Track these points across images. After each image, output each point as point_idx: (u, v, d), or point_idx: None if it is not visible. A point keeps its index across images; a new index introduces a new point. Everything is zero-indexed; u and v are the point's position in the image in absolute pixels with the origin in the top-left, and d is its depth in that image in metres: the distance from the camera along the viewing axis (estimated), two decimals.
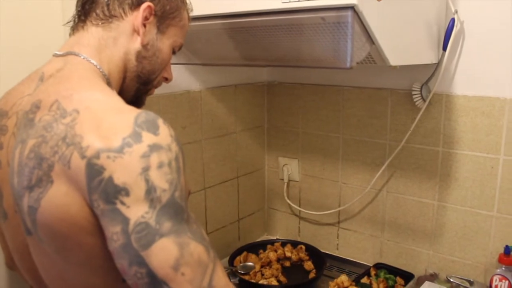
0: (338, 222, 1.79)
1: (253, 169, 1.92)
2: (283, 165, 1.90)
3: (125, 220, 0.65)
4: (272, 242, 1.79)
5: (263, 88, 1.89)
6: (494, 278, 1.32)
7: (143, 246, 0.65)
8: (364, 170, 1.67)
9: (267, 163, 1.97)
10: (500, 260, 1.32)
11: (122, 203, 0.65)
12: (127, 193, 0.65)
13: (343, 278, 1.48)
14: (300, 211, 1.89)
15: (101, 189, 0.65)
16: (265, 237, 2.00)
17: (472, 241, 1.47)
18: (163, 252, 0.65)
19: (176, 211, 0.68)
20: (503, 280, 1.30)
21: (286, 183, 1.89)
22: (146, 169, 0.66)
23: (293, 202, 1.90)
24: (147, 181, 0.65)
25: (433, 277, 1.43)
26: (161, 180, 0.66)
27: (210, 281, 0.68)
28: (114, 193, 0.65)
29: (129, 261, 0.65)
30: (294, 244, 1.76)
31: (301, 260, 1.71)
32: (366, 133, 1.64)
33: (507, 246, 1.32)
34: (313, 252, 1.72)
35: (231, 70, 1.74)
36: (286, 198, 1.89)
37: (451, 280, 1.37)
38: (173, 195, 0.67)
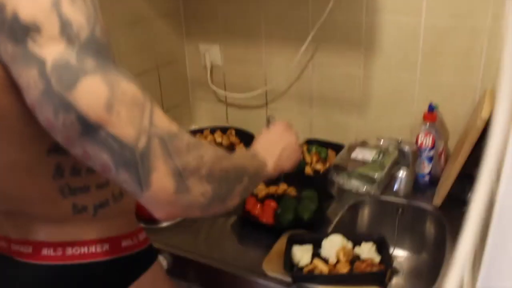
0: (266, 103, 1.76)
1: (173, 58, 1.81)
2: (204, 52, 1.80)
3: (41, 62, 0.55)
4: (201, 131, 1.74)
5: None
6: (420, 134, 1.37)
7: (67, 87, 0.55)
8: (288, 47, 1.62)
9: (187, 51, 1.86)
10: (424, 118, 1.36)
11: (34, 41, 0.55)
12: (38, 30, 0.55)
13: None
14: (226, 96, 1.84)
15: (7, 29, 0.55)
16: (192, 128, 1.94)
17: (398, 106, 1.51)
18: (91, 91, 0.56)
19: (99, 48, 0.58)
20: (428, 136, 1.35)
21: (209, 70, 1.81)
22: (56, 3, 0.56)
23: (218, 88, 1.83)
24: (59, 15, 0.55)
25: (363, 144, 1.46)
26: (75, 15, 0.57)
27: (151, 120, 0.60)
28: (22, 30, 0.55)
29: (53, 108, 0.56)
30: (224, 129, 1.73)
31: (232, 144, 1.68)
32: (287, 6, 1.57)
33: (430, 104, 1.36)
34: (243, 135, 1.70)
35: None
36: (210, 84, 1.82)
37: (380, 142, 1.41)
38: (93, 31, 0.58)
